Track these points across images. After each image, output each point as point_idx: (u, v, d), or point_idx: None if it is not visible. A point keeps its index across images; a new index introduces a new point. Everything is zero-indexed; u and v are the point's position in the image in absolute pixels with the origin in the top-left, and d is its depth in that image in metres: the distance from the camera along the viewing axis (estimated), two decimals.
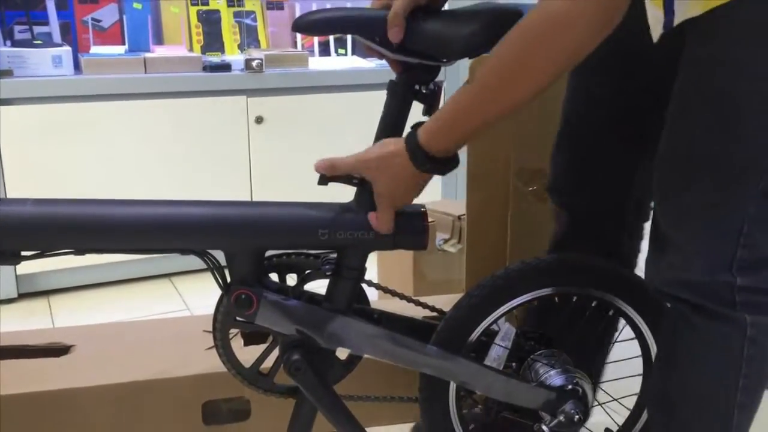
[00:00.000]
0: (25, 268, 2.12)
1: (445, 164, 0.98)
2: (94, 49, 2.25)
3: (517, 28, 0.88)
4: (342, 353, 1.13)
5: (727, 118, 0.84)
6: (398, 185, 1.00)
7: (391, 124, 1.05)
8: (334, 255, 1.09)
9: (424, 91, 1.04)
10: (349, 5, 2.60)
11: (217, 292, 1.07)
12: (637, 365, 1.22)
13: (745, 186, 0.86)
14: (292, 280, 1.11)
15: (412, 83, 1.04)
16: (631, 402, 1.25)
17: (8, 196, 2.04)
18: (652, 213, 1.06)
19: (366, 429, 1.15)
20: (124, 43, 2.30)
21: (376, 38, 1.00)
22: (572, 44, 0.85)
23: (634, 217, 1.28)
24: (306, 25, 1.01)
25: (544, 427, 1.14)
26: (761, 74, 0.82)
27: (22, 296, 2.19)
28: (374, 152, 1.01)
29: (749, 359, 0.91)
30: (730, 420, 0.94)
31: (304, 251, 1.09)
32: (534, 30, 0.86)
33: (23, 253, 1.00)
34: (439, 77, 1.07)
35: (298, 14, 2.60)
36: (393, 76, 1.07)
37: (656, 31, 0.93)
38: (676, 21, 0.89)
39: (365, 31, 1.01)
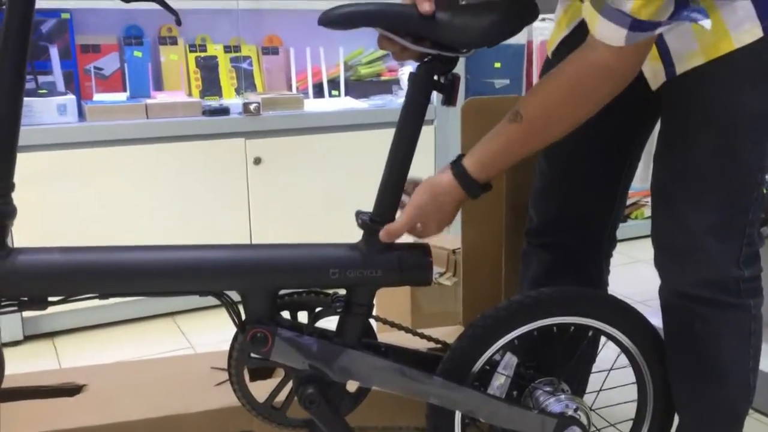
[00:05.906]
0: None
1: (485, 189, 1.11)
2: (97, 97, 2.31)
3: (564, 74, 1.02)
4: (351, 386, 1.18)
5: (729, 147, 1.06)
6: (438, 210, 1.10)
7: (412, 112, 1.10)
8: (344, 293, 1.15)
9: (442, 81, 1.10)
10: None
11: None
12: (632, 391, 1.27)
13: (747, 198, 1.09)
14: (302, 317, 1.17)
15: (431, 74, 1.09)
16: (626, 427, 1.30)
17: (15, 240, 2.09)
18: (664, 225, 1.15)
19: None
20: (125, 90, 2.37)
21: (400, 30, 1.05)
22: (610, 90, 1.00)
23: (608, 245, 1.38)
24: (332, 19, 1.02)
25: None
26: (756, 112, 1.04)
27: (28, 338, 2.22)
28: (424, 183, 1.12)
29: (754, 332, 1.15)
30: (747, 381, 1.17)
31: (314, 290, 1.16)
32: (581, 78, 1.01)
33: (50, 299, 1.06)
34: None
35: (292, 58, 2.68)
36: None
37: (657, 81, 1.10)
38: (680, 71, 1.06)
39: (389, 23, 1.05)
